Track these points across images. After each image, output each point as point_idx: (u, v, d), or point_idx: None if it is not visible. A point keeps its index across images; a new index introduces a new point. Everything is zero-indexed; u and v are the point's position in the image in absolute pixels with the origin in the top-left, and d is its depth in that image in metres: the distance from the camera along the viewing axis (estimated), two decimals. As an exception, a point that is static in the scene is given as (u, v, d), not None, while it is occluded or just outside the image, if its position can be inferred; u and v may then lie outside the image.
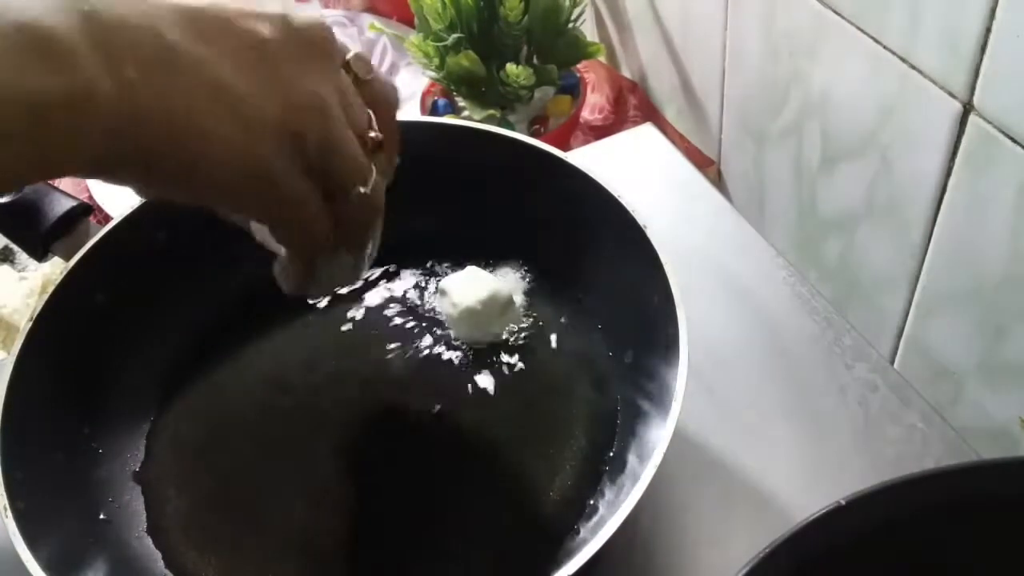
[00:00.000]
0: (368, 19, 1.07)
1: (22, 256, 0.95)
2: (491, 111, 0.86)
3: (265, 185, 0.40)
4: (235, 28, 0.39)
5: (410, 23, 0.95)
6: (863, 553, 0.43)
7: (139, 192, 0.42)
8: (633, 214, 0.58)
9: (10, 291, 0.88)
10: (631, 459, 0.53)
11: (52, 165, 0.35)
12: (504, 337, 0.63)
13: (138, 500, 0.56)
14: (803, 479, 0.59)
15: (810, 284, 0.70)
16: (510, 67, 0.83)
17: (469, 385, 0.60)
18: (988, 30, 0.54)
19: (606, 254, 0.61)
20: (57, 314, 0.56)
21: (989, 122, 0.56)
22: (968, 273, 0.62)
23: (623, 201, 0.59)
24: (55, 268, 0.82)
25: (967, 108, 0.58)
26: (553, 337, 0.63)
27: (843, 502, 0.42)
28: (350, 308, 0.65)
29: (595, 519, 0.53)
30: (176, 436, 0.59)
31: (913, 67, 0.60)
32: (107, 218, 0.77)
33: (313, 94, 0.41)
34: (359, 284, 0.65)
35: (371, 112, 0.46)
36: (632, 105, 0.97)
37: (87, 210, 0.65)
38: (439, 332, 0.63)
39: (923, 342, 0.69)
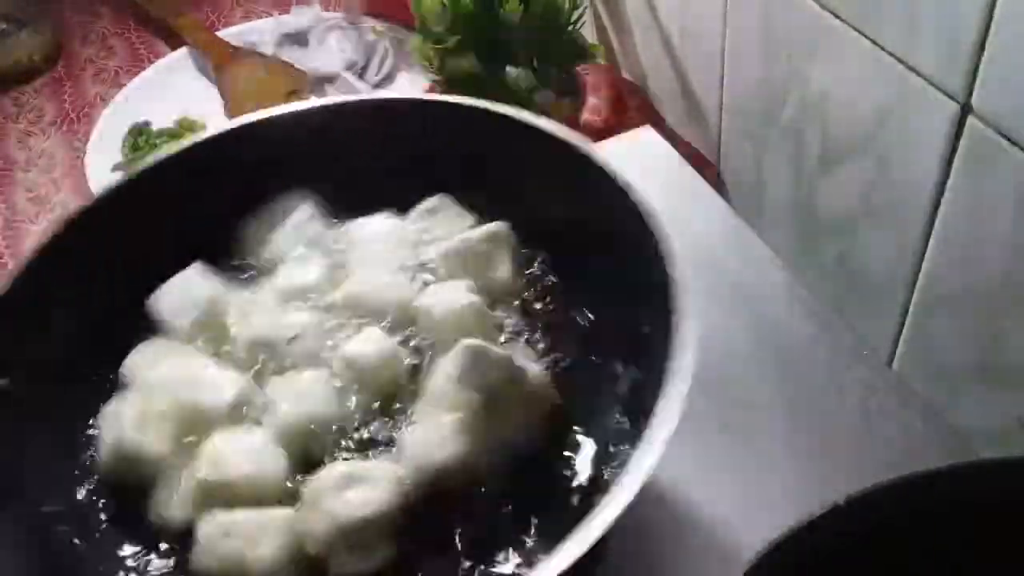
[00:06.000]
0: (369, 22, 1.07)
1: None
2: (491, 113, 0.86)
3: None
4: None
5: (410, 25, 0.95)
6: (862, 553, 0.44)
7: None
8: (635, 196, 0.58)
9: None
10: (633, 446, 0.53)
11: None
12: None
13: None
14: (802, 479, 0.59)
15: (809, 285, 0.71)
16: (510, 69, 0.83)
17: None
18: (986, 32, 0.54)
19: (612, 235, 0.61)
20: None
21: (987, 124, 0.57)
22: (967, 274, 0.62)
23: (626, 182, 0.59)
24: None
25: (965, 110, 0.58)
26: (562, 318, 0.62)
27: (841, 502, 0.42)
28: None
29: (595, 512, 0.52)
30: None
31: (911, 69, 0.61)
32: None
33: None
34: None
35: None
36: (632, 107, 0.97)
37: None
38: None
39: (922, 343, 0.69)
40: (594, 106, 0.97)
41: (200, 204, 0.64)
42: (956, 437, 0.61)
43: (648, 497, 0.52)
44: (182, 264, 0.62)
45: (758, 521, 0.57)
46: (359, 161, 0.65)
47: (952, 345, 0.66)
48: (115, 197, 0.63)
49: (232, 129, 0.67)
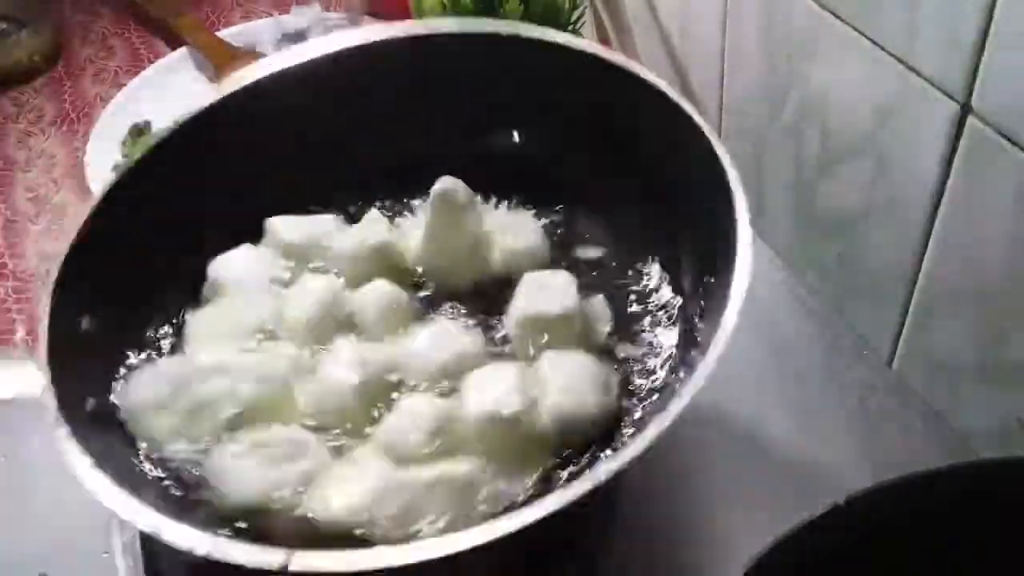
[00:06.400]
0: (369, 22, 1.07)
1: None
2: (491, 113, 0.86)
3: None
4: None
5: (410, 25, 0.95)
6: (862, 553, 0.44)
7: None
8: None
9: None
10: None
11: None
12: None
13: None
14: (801, 479, 0.59)
15: (809, 285, 0.70)
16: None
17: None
18: (986, 31, 0.54)
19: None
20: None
21: (987, 123, 0.57)
22: (967, 273, 0.62)
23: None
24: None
25: (965, 109, 0.58)
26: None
27: (841, 502, 0.42)
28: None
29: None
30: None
31: (911, 68, 0.61)
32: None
33: None
34: None
35: None
36: (631, 107, 0.97)
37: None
38: None
39: (922, 343, 0.69)
40: (594, 106, 0.97)
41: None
42: (956, 437, 0.61)
43: (647, 496, 0.52)
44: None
45: (757, 521, 0.57)
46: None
47: (952, 345, 0.66)
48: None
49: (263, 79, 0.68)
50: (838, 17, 0.65)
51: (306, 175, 0.66)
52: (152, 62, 1.07)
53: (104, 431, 0.51)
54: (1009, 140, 0.55)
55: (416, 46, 0.67)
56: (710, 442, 0.61)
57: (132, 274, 0.59)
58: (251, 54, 1.05)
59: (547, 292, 0.57)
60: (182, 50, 1.07)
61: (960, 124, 0.58)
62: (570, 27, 0.87)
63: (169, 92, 1.02)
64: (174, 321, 0.60)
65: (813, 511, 0.42)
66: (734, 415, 0.63)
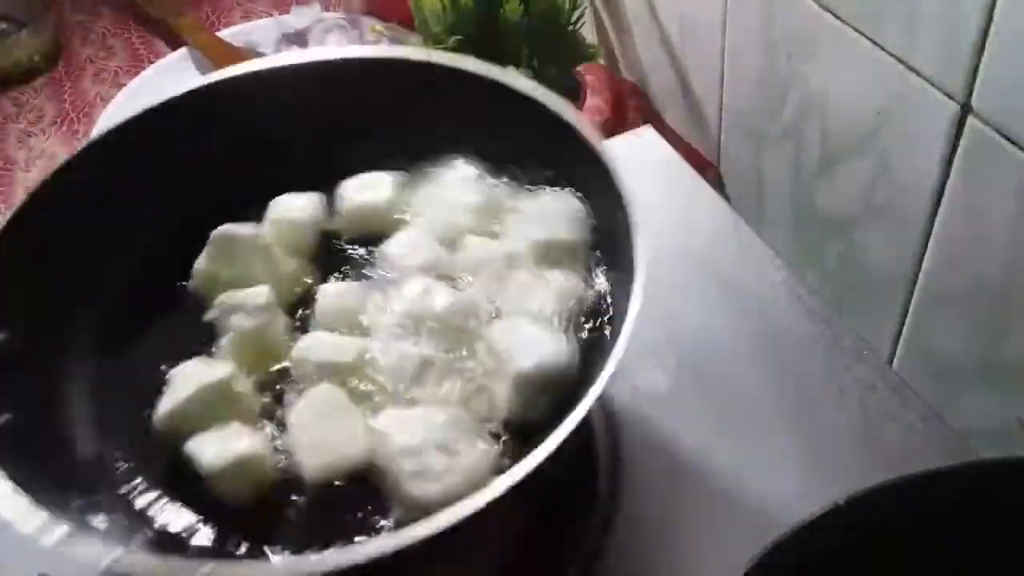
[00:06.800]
0: (368, 22, 1.07)
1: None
2: (491, 113, 0.86)
3: None
4: None
5: (410, 25, 0.95)
6: (861, 553, 0.44)
7: None
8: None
9: None
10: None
11: None
12: None
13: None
14: (802, 479, 0.59)
15: (809, 285, 0.70)
16: (510, 70, 0.83)
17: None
18: (986, 32, 0.54)
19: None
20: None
21: (987, 123, 0.57)
22: (966, 274, 0.62)
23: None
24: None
25: (965, 110, 0.58)
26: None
27: (841, 502, 0.42)
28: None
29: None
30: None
31: (911, 69, 0.61)
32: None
33: None
34: None
35: None
36: (632, 107, 0.97)
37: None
38: None
39: (922, 343, 0.69)
40: (594, 106, 0.97)
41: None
42: (956, 437, 0.61)
43: (647, 495, 0.52)
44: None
45: (757, 521, 0.57)
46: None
47: (952, 345, 0.66)
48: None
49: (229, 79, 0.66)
50: (838, 17, 0.65)
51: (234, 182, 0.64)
52: (152, 62, 1.07)
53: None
54: (1009, 140, 0.55)
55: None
56: (708, 441, 0.61)
57: (55, 284, 0.56)
58: (251, 54, 1.05)
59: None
60: (182, 50, 1.07)
61: (960, 124, 0.58)
62: (570, 27, 0.88)
63: (169, 92, 1.03)
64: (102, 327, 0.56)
65: (813, 511, 0.42)
66: (733, 415, 0.63)
